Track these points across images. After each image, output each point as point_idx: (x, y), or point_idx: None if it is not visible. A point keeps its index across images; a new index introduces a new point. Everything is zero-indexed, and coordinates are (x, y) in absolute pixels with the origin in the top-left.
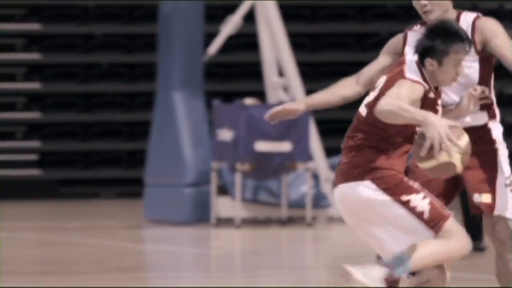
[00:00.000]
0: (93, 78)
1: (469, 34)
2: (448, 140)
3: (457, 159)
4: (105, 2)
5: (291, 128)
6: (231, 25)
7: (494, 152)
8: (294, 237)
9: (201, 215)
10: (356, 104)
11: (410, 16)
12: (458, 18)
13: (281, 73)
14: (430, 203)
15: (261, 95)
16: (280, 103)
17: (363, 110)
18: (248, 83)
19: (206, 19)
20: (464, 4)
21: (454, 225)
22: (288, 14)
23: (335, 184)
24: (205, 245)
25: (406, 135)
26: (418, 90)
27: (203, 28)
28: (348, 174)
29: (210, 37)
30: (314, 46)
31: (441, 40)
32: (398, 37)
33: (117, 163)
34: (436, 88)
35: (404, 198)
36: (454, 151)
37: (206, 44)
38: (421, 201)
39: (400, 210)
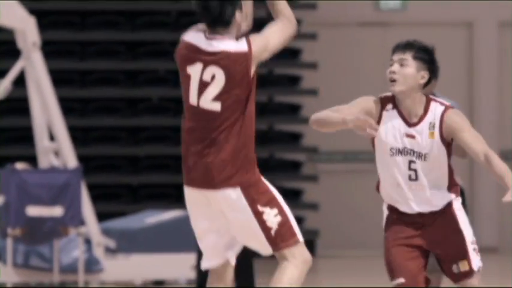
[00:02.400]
0: None
1: (438, 125)
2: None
3: None
4: None
5: (62, 192)
6: (0, 90)
7: (456, 222)
8: None
9: None
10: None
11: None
12: (428, 104)
13: (52, 137)
14: (280, 223)
15: (32, 159)
16: (51, 168)
17: (213, 105)
18: (19, 147)
19: None
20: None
21: (299, 251)
22: (58, 78)
23: (197, 186)
24: None
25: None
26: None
27: None
28: (214, 178)
29: None
30: (84, 110)
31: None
32: (375, 103)
33: None
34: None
35: (260, 209)
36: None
37: None
38: (274, 217)
39: (254, 221)
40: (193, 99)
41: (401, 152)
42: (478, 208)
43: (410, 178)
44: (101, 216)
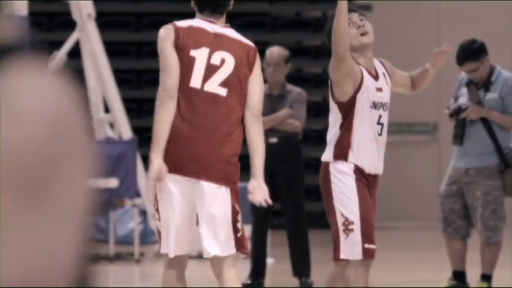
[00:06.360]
0: None
1: (387, 73)
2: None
3: None
4: None
5: (117, 164)
6: (56, 61)
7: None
8: (121, 273)
9: None
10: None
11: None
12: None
13: (107, 109)
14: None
15: None
16: (107, 139)
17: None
18: None
19: None
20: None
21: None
22: (113, 50)
23: (198, 177)
24: None
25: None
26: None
27: None
28: (217, 176)
29: None
30: (139, 82)
31: None
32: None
33: None
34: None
35: (237, 207)
36: None
37: None
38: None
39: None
40: (196, 82)
41: (376, 105)
42: None
43: (378, 133)
44: None
